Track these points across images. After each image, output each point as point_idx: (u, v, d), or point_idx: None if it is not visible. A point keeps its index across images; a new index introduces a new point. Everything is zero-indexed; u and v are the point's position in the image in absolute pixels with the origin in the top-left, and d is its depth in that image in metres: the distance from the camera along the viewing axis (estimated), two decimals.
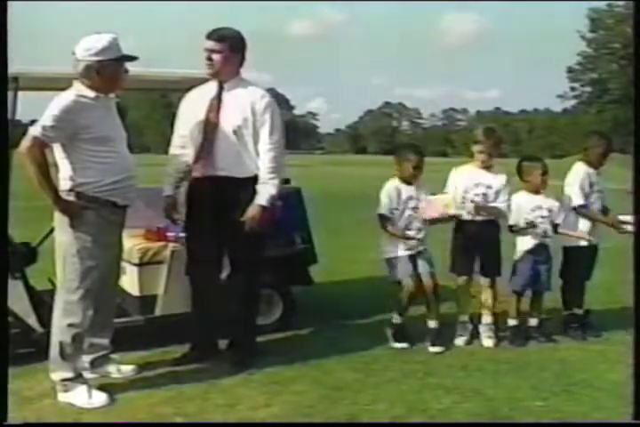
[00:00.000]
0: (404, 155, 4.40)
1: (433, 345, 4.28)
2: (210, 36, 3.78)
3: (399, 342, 4.35)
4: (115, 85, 3.47)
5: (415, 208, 4.33)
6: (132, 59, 3.46)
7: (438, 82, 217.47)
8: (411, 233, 4.34)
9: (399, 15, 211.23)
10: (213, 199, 3.80)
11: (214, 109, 3.81)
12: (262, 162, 3.81)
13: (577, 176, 4.57)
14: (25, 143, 3.22)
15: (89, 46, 3.33)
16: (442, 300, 5.00)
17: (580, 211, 4.52)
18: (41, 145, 3.23)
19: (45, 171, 3.24)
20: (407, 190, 4.36)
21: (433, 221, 4.33)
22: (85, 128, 3.31)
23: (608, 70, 45.48)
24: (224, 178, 3.79)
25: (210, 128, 3.79)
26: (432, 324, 4.39)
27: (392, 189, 4.35)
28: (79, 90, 3.37)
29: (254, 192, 3.80)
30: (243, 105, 3.80)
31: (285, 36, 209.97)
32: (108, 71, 3.36)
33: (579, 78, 48.29)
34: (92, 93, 3.37)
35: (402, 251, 4.33)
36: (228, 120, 3.79)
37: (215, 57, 3.77)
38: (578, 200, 4.52)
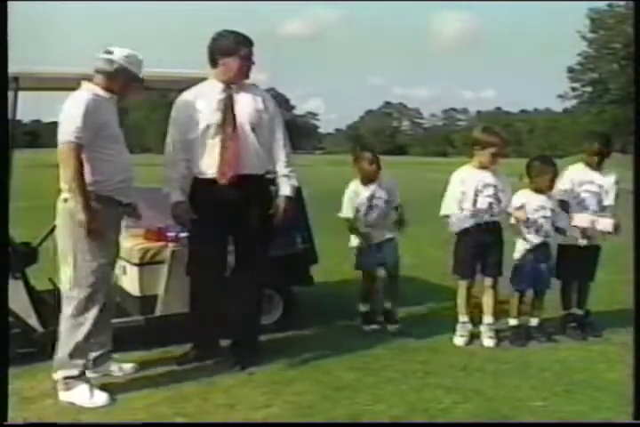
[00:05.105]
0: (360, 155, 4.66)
1: (388, 322, 4.71)
2: (252, 43, 3.88)
3: (367, 324, 4.75)
4: (123, 95, 3.62)
5: (375, 206, 4.62)
6: (141, 81, 3.62)
7: (436, 82, 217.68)
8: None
9: (395, 15, 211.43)
10: (233, 198, 3.79)
11: (229, 110, 3.83)
12: (280, 157, 3.98)
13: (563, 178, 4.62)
14: (63, 149, 3.28)
15: (129, 54, 3.51)
16: (442, 300, 5.01)
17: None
18: (77, 148, 3.28)
19: (82, 175, 3.29)
20: (366, 190, 4.63)
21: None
22: (104, 126, 3.41)
23: (609, 70, 45.37)
24: (248, 176, 3.83)
25: (228, 129, 3.80)
26: (387, 304, 4.77)
27: (351, 192, 4.66)
28: (91, 88, 3.45)
29: (267, 188, 3.98)
30: (256, 104, 3.89)
31: (281, 35, 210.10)
32: (130, 81, 3.53)
33: (579, 78, 48.18)
34: (106, 94, 3.48)
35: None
36: (245, 119, 3.84)
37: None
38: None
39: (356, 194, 4.63)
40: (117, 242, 3.67)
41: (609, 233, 4.51)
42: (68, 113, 3.32)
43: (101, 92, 3.46)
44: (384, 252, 4.65)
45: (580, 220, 4.50)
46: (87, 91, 3.42)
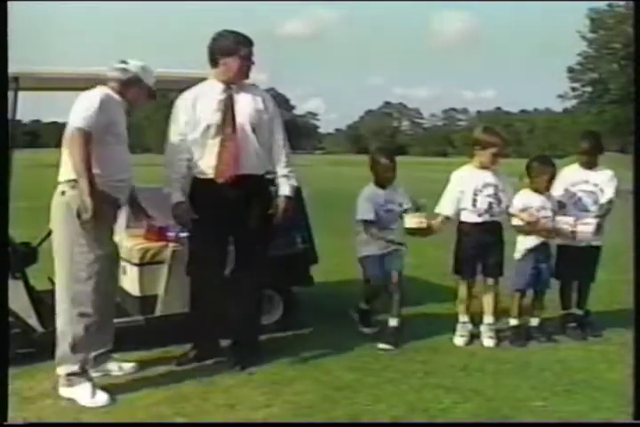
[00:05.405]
0: (377, 158, 4.49)
1: (387, 343, 4.29)
2: (252, 43, 3.89)
3: (366, 326, 4.64)
4: (134, 104, 3.71)
5: (389, 210, 4.42)
6: (153, 93, 3.75)
7: (436, 82, 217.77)
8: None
9: (395, 15, 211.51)
10: (233, 198, 3.80)
11: (229, 110, 3.83)
12: (279, 157, 4.00)
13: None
14: (73, 135, 3.29)
15: (143, 66, 3.64)
16: (442, 300, 5.00)
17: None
18: (86, 135, 3.29)
19: (89, 161, 3.29)
20: (384, 194, 4.45)
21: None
22: (112, 124, 3.47)
23: (609, 70, 45.33)
24: (247, 176, 3.84)
25: (228, 129, 3.80)
26: (392, 322, 4.41)
27: (370, 193, 4.45)
28: (104, 90, 3.51)
29: (267, 188, 3.99)
30: (256, 104, 3.91)
31: (281, 35, 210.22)
32: (142, 91, 3.66)
33: (579, 78, 48.12)
34: (118, 98, 3.56)
35: (374, 251, 4.42)
36: (245, 119, 3.85)
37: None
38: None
39: (375, 195, 4.42)
40: (112, 240, 3.67)
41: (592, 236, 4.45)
42: (82, 104, 3.36)
43: (114, 95, 3.53)
44: (388, 263, 4.42)
45: (561, 226, 4.45)
46: (101, 91, 3.49)
